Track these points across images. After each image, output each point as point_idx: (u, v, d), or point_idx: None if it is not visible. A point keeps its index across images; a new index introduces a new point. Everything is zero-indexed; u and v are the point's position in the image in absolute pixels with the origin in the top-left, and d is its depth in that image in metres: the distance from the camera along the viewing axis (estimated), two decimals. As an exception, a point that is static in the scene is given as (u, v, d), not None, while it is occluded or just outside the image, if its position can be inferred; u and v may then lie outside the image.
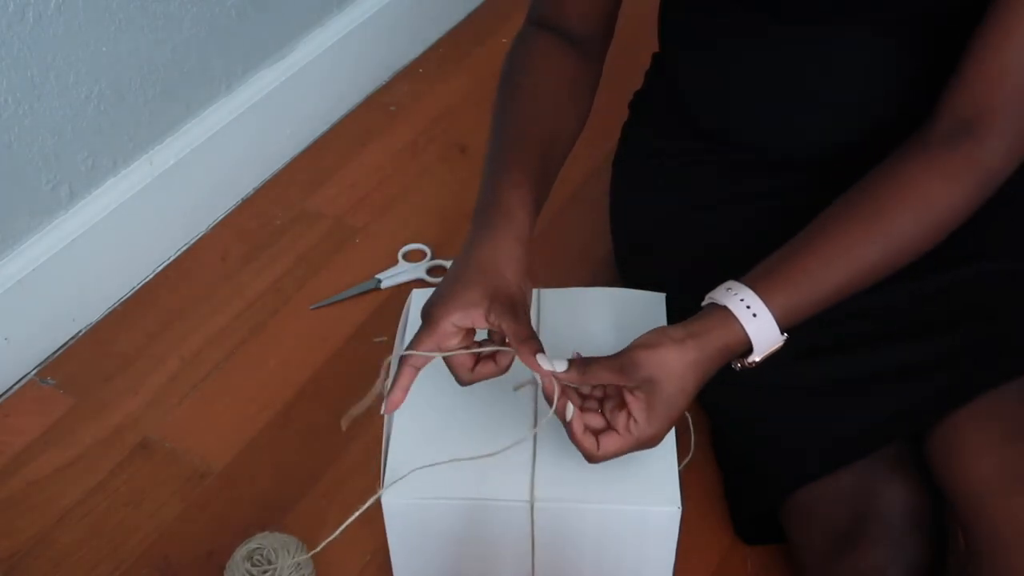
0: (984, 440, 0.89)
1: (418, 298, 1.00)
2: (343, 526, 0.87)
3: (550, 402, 0.84)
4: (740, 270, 1.07)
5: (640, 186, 1.19)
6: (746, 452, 1.04)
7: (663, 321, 1.02)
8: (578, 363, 0.85)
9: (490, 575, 0.96)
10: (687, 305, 1.05)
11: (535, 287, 1.05)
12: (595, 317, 1.02)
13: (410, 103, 1.69)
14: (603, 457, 0.85)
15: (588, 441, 0.84)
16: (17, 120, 1.19)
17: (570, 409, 0.84)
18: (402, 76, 1.74)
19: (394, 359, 0.95)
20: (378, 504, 0.89)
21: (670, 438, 0.92)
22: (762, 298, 0.87)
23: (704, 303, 0.89)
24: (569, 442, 0.89)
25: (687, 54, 1.10)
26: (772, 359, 0.89)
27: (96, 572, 1.11)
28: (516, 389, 0.94)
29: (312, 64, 1.56)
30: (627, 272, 1.23)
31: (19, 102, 1.18)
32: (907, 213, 0.88)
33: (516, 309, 0.85)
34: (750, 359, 0.88)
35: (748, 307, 0.86)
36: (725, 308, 0.87)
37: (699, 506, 1.12)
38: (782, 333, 0.87)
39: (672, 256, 1.12)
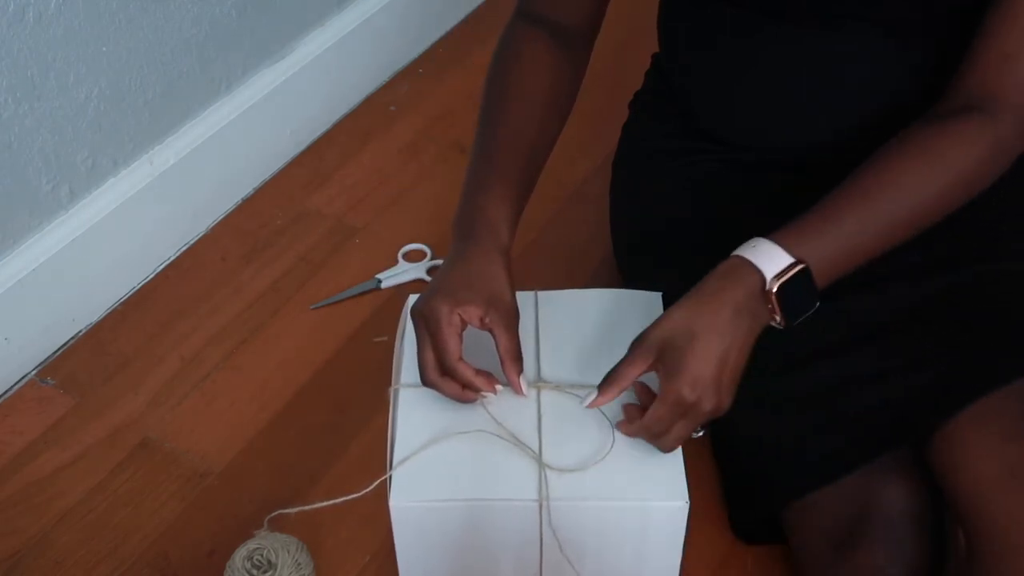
0: (985, 440, 0.89)
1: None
2: (345, 498, 0.90)
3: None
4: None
5: (640, 186, 1.19)
6: (746, 460, 1.04)
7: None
8: (608, 378, 0.90)
9: (497, 575, 0.96)
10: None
11: (531, 289, 1.05)
12: (593, 318, 1.02)
13: (410, 103, 1.69)
14: (660, 438, 0.88)
15: (633, 428, 0.89)
16: (17, 120, 1.19)
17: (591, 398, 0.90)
18: (402, 76, 1.74)
19: (396, 362, 0.95)
20: (382, 506, 0.89)
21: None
22: (768, 236, 0.88)
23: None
24: (575, 441, 0.90)
25: (687, 54, 1.10)
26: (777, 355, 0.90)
27: (96, 572, 1.11)
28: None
29: (312, 64, 1.56)
30: (627, 272, 1.23)
31: (19, 102, 1.18)
32: (922, 171, 0.90)
33: (512, 322, 0.92)
34: (768, 286, 0.87)
35: (751, 245, 0.89)
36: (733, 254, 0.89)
37: (700, 505, 1.11)
38: (798, 263, 0.87)
39: (672, 256, 1.11)
